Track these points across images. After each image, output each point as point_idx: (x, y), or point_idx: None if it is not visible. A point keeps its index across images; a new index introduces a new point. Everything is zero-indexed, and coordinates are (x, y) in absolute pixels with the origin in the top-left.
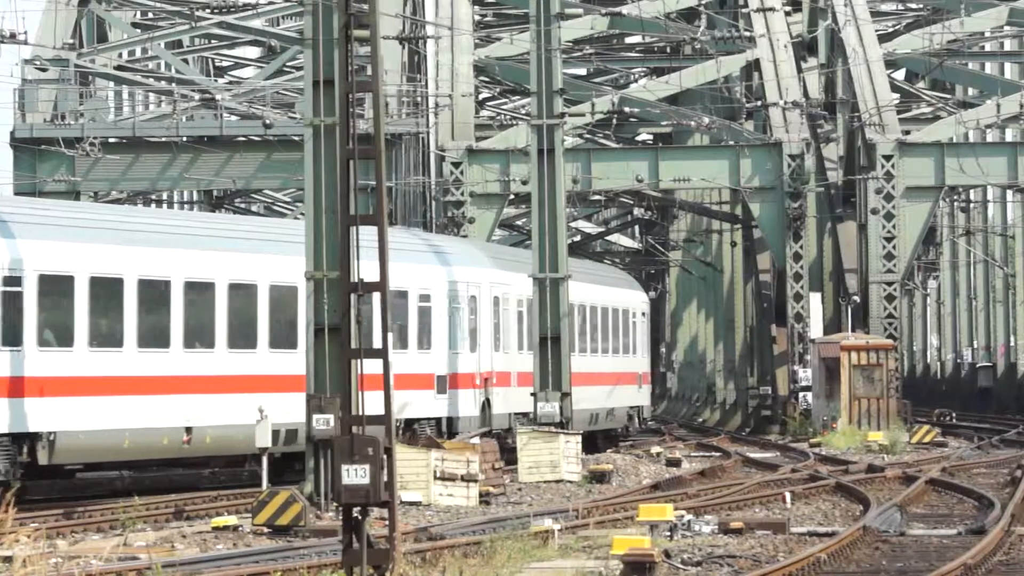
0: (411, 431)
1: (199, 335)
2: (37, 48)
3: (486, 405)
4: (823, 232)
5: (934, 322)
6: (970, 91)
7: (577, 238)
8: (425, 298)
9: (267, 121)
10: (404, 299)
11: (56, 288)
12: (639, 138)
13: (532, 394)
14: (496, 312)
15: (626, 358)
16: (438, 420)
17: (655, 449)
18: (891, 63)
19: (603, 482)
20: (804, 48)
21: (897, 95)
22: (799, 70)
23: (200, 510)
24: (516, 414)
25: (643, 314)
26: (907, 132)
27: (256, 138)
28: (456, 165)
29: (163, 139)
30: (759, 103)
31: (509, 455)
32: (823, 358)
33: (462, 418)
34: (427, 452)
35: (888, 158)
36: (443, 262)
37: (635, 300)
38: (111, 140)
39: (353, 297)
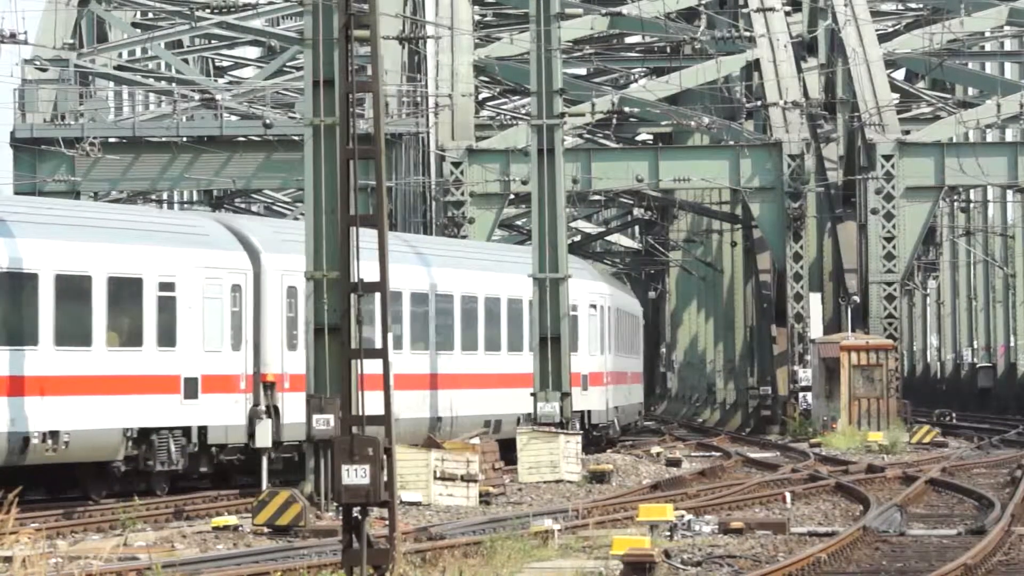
0: (147, 443)
1: None
2: (37, 48)
3: (272, 413)
4: (823, 232)
5: (934, 322)
6: (970, 91)
7: (577, 238)
8: (167, 287)
9: (267, 121)
10: (138, 288)
11: None
12: (639, 138)
13: (532, 394)
14: (292, 305)
15: None
16: (185, 429)
17: (655, 449)
18: (891, 63)
19: (603, 482)
20: (804, 48)
21: (897, 95)
22: (799, 70)
23: (200, 510)
24: None
25: (592, 306)
26: (907, 132)
27: (256, 138)
28: (456, 165)
29: (163, 139)
30: (759, 103)
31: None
32: (823, 358)
33: (218, 427)
34: (427, 452)
35: (888, 158)
36: (196, 244)
37: (580, 290)
38: (111, 140)
39: (353, 297)
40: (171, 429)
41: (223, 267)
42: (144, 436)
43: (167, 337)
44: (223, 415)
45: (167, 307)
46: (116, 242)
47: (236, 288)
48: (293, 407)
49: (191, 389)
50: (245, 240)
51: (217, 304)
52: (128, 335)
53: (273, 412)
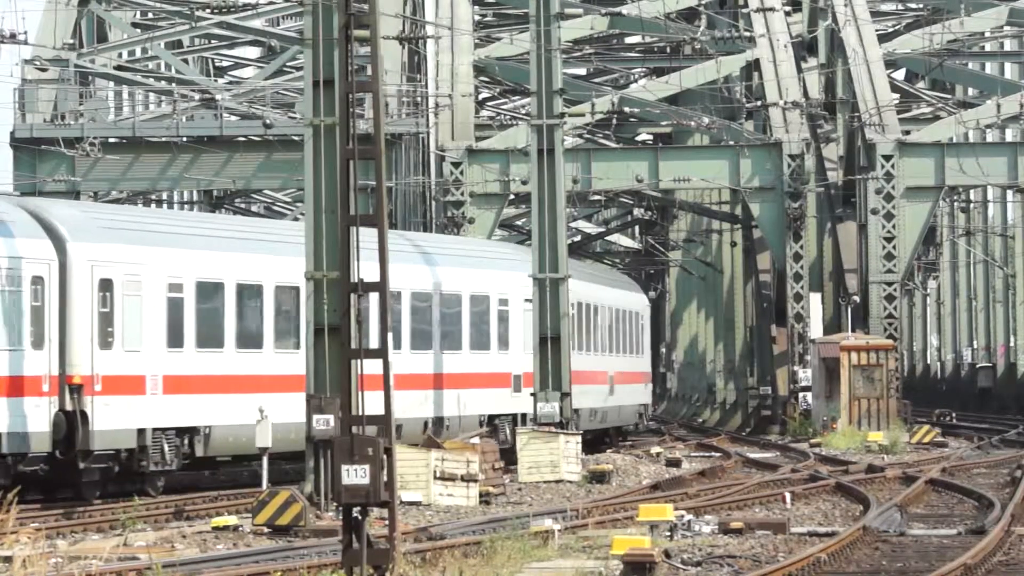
0: None
1: None
2: (37, 48)
3: (80, 418)
4: (823, 232)
5: (934, 322)
6: (970, 91)
7: (577, 238)
8: None
9: (267, 121)
10: None
11: None
12: (639, 138)
13: (532, 394)
14: (107, 299)
15: (484, 355)
16: None
17: (655, 449)
18: (891, 63)
19: (603, 482)
20: (804, 48)
21: (897, 95)
22: (799, 70)
23: (200, 510)
24: (159, 429)
25: (528, 300)
26: (907, 132)
27: (256, 138)
28: (456, 165)
29: (163, 139)
30: (759, 103)
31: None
32: (823, 358)
33: (15, 434)
34: (427, 452)
35: (888, 158)
36: None
37: (509, 283)
38: (111, 140)
39: (353, 297)
40: None
41: (21, 256)
42: None
43: None
44: (21, 421)
45: None
46: None
47: (38, 280)
48: (106, 412)
49: None
50: (50, 227)
51: (14, 297)
52: None
53: (80, 417)
